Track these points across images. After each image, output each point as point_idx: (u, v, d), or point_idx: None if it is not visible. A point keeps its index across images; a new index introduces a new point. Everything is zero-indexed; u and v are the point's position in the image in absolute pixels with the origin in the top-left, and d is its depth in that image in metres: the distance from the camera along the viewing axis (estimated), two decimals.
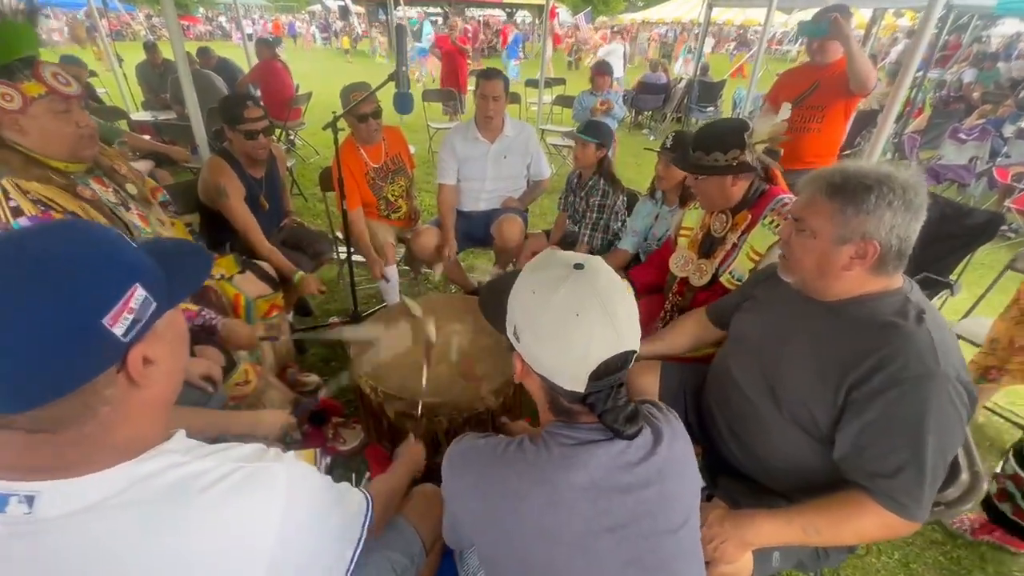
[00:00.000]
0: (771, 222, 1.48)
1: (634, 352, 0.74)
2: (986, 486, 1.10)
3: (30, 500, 0.52)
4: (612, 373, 0.72)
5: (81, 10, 15.46)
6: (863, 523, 0.98)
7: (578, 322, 0.70)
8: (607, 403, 0.73)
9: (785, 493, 1.16)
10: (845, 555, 1.19)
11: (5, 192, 1.27)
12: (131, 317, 0.53)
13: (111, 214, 1.46)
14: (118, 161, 1.62)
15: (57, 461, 0.53)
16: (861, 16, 10.16)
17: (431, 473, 1.19)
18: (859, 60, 2.36)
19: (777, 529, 1.02)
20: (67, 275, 0.50)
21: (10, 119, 1.27)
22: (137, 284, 0.54)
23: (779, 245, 1.15)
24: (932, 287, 2.17)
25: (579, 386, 0.73)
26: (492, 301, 0.84)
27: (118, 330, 0.52)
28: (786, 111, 1.51)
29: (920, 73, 5.82)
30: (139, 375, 0.56)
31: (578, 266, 0.74)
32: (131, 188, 1.59)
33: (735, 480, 1.26)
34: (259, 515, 0.59)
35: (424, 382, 1.52)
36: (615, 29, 20.80)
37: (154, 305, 0.56)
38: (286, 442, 1.59)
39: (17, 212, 1.25)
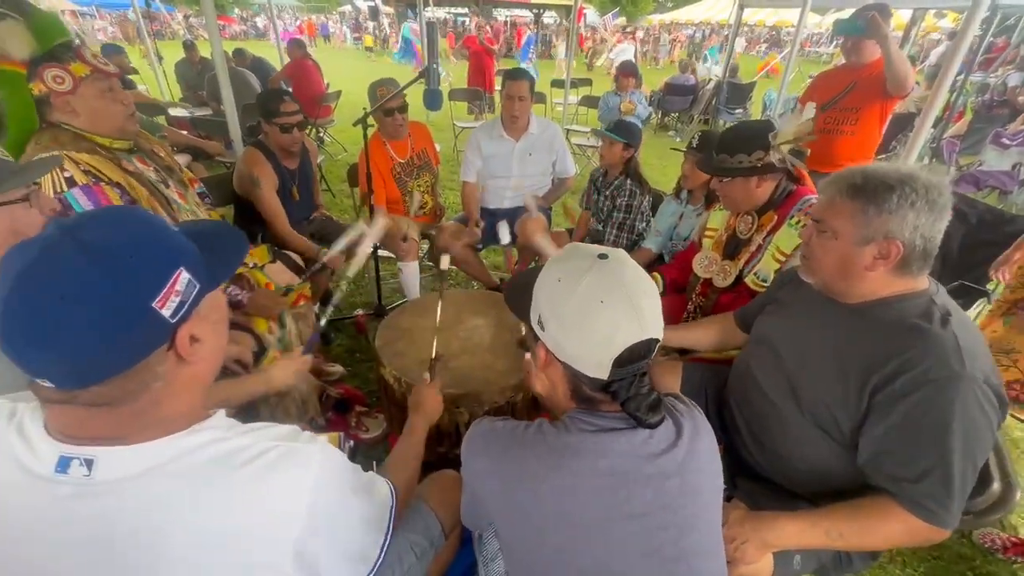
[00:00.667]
0: (798, 222, 1.47)
1: (657, 340, 0.75)
2: (1019, 496, 1.07)
3: (89, 464, 0.56)
4: (636, 361, 0.73)
5: (127, 10, 16.16)
6: (889, 528, 0.96)
7: (602, 309, 0.71)
8: (630, 391, 0.74)
9: (807, 496, 1.15)
10: (869, 561, 1.17)
11: (60, 163, 1.34)
12: (177, 299, 0.57)
13: (153, 188, 1.52)
14: (158, 145, 1.69)
15: (112, 431, 0.58)
16: (900, 17, 9.85)
17: (450, 462, 1.22)
18: (897, 60, 2.30)
19: (799, 532, 1.01)
20: (121, 262, 0.54)
21: (62, 101, 1.33)
22: (181, 268, 0.57)
23: (800, 247, 1.14)
24: (968, 295, 2.10)
25: (603, 373, 0.73)
26: (517, 293, 0.87)
27: (166, 312, 0.56)
28: (810, 111, 1.49)
29: (961, 76, 5.61)
30: (187, 352, 0.59)
31: (602, 256, 0.76)
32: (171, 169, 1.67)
33: (755, 482, 1.25)
34: (291, 491, 0.62)
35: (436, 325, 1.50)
36: (627, 30, 20.57)
37: (197, 287, 0.59)
38: (312, 427, 1.64)
39: (71, 182, 1.32)
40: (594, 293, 0.72)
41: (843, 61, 2.74)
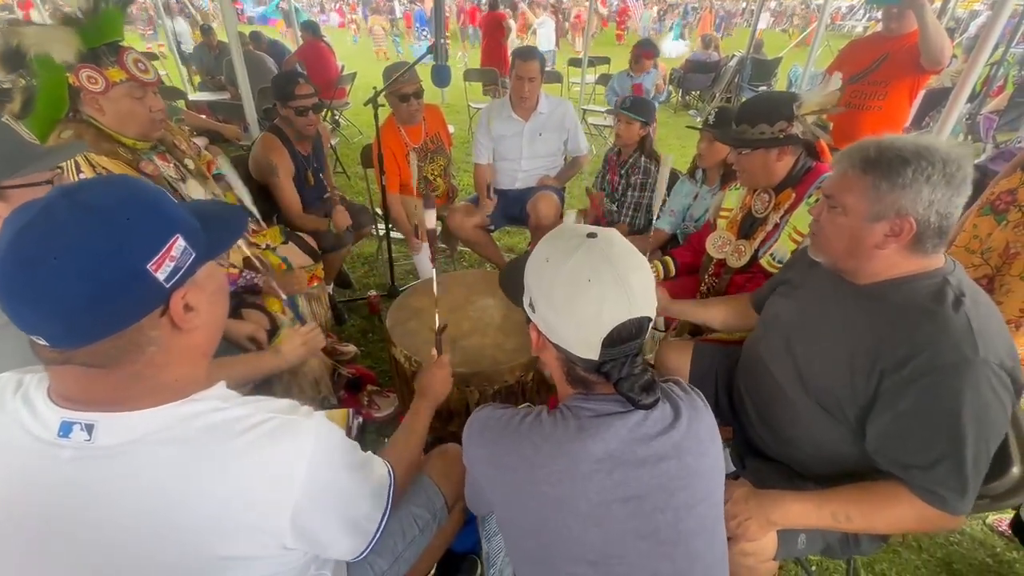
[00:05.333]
0: (816, 200, 1.42)
1: (649, 319, 0.73)
2: None
3: (89, 428, 0.58)
4: (626, 341, 0.72)
5: None
6: (898, 513, 0.94)
7: (589, 287, 0.70)
8: (622, 371, 0.73)
9: (816, 479, 1.13)
10: (879, 544, 1.15)
11: (77, 165, 1.39)
12: (172, 264, 0.58)
13: (170, 187, 1.56)
14: (179, 137, 1.73)
15: (111, 395, 0.59)
16: None
17: (457, 438, 1.23)
18: (933, 31, 2.16)
19: (805, 512, 1.00)
20: (116, 223, 0.55)
21: (91, 98, 1.38)
22: (178, 235, 0.59)
23: (810, 224, 1.10)
24: None
25: (593, 353, 0.72)
26: (510, 277, 0.87)
27: (160, 275, 0.57)
28: (836, 81, 1.42)
29: (1002, 48, 5.31)
30: (180, 319, 0.60)
31: (591, 235, 0.75)
32: (189, 163, 1.70)
33: (764, 463, 1.23)
34: (288, 462, 0.63)
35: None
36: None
37: (193, 255, 0.60)
38: (323, 406, 1.68)
39: None
40: (582, 272, 0.71)
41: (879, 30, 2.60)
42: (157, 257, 0.56)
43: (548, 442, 0.74)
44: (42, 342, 0.55)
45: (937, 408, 0.88)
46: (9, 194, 0.98)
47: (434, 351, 1.33)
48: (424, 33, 12.97)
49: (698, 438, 0.78)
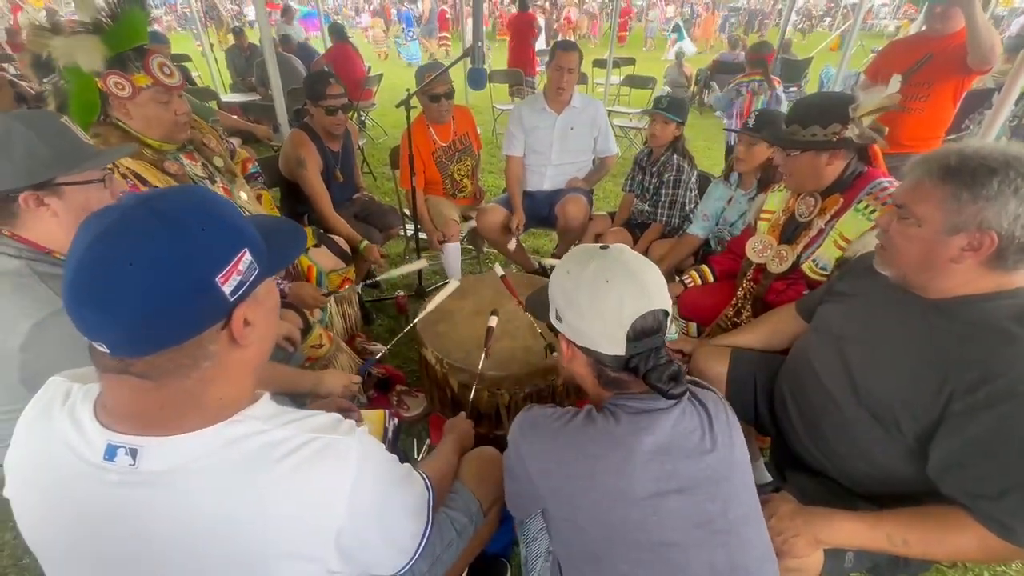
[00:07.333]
0: (866, 207, 1.37)
1: (666, 312, 0.82)
2: None
3: (134, 453, 0.57)
4: (649, 335, 0.80)
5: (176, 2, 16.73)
6: (961, 542, 0.90)
7: (609, 287, 0.79)
8: (648, 363, 0.80)
9: (867, 497, 1.09)
10: (928, 565, 1.11)
11: (135, 151, 1.41)
12: (239, 278, 0.57)
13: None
14: (209, 135, 1.75)
15: (158, 414, 0.58)
16: None
17: (490, 443, 1.22)
18: (983, 29, 2.07)
19: (857, 532, 0.96)
20: (191, 234, 0.54)
21: (119, 103, 1.41)
22: (246, 249, 0.58)
23: (877, 235, 1.05)
24: None
25: (619, 348, 0.79)
26: (536, 298, 1.00)
27: (227, 289, 0.56)
28: (895, 83, 1.36)
29: None
30: (240, 334, 0.60)
31: (604, 247, 0.85)
32: (218, 161, 1.73)
33: (806, 475, 1.19)
34: (331, 484, 0.62)
35: (480, 365, 1.53)
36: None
37: (257, 270, 0.60)
38: (355, 404, 1.69)
39: None
40: (600, 275, 0.80)
41: (911, 32, 2.52)
42: (226, 270, 0.56)
43: (604, 435, 0.79)
44: (103, 349, 0.54)
45: (1014, 437, 0.83)
46: (65, 191, 1.01)
47: (462, 413, 1.37)
48: (411, 33, 13.13)
49: (728, 429, 0.84)
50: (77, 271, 0.52)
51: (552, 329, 0.90)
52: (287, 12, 7.93)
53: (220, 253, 0.56)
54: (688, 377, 0.88)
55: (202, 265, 0.55)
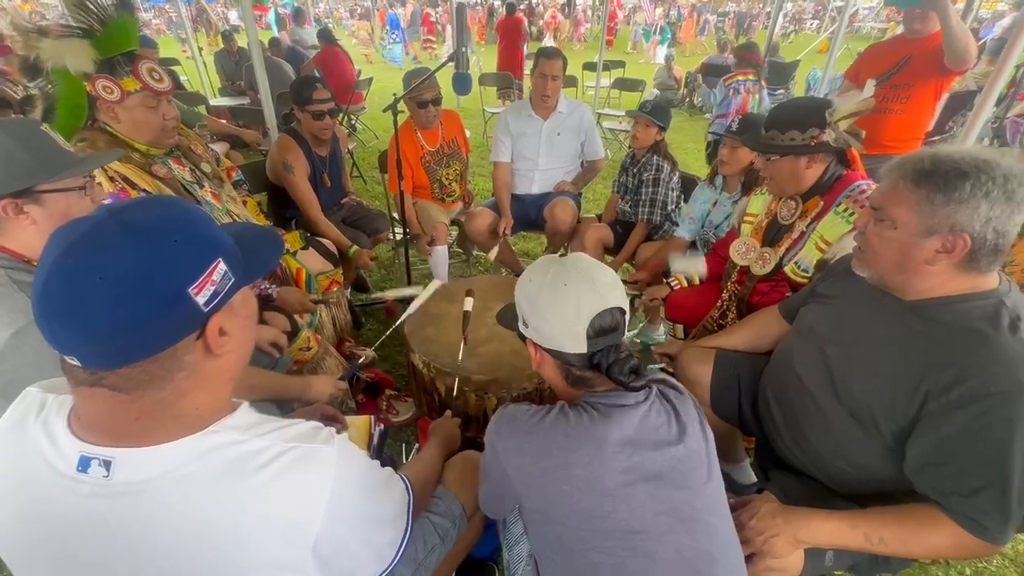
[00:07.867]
0: (845, 209, 1.39)
1: (622, 311, 0.87)
2: None
3: (107, 465, 0.56)
4: (607, 333, 0.85)
5: (164, 4, 16.55)
6: (935, 539, 0.92)
7: (566, 290, 0.85)
8: (610, 358, 0.85)
9: (845, 494, 1.11)
10: (909, 562, 1.13)
11: (119, 157, 1.40)
12: (212, 288, 0.57)
13: (184, 191, 1.57)
14: (195, 142, 1.74)
15: (132, 426, 0.57)
16: None
17: (477, 447, 1.22)
18: (957, 30, 2.12)
19: (836, 532, 0.98)
20: (163, 245, 0.54)
21: (107, 107, 1.41)
22: (220, 259, 0.58)
23: (855, 237, 1.07)
24: None
25: (581, 347, 0.85)
26: (506, 312, 1.05)
27: (200, 299, 0.56)
28: (870, 88, 1.39)
29: None
30: (215, 344, 0.59)
31: (562, 255, 0.90)
32: (205, 167, 1.71)
33: (791, 477, 1.21)
34: (308, 494, 0.61)
35: (460, 355, 1.53)
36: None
37: (232, 280, 0.59)
38: (343, 409, 1.68)
39: None
40: (559, 279, 0.86)
41: (897, 33, 2.56)
42: (199, 281, 0.55)
43: (576, 429, 0.83)
44: (75, 362, 0.54)
45: (987, 436, 0.85)
46: (45, 199, 1.00)
47: (448, 412, 1.39)
48: (396, 36, 13.12)
49: (694, 424, 0.88)
50: (46, 285, 0.52)
51: (521, 337, 0.96)
52: (299, 15, 7.85)
53: (192, 264, 0.56)
54: (658, 376, 0.95)
55: (174, 277, 0.54)
